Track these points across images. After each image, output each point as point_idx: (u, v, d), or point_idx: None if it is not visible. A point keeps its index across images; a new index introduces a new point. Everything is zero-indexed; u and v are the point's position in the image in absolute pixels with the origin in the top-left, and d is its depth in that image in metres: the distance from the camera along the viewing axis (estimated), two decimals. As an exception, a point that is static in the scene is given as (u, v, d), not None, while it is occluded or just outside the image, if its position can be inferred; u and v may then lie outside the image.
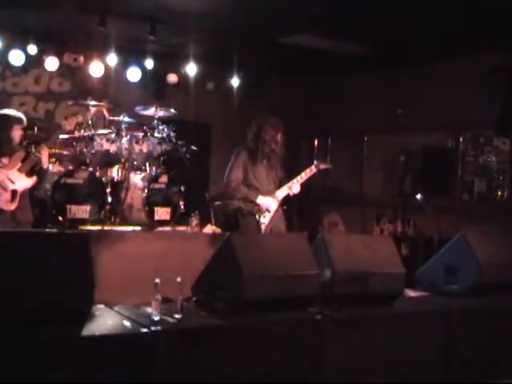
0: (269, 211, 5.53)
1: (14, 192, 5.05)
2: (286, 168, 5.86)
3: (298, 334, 3.28)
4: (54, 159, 5.92)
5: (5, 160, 5.13)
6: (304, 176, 5.74)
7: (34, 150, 5.33)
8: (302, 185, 5.75)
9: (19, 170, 5.14)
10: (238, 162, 5.52)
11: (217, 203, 5.71)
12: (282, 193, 5.66)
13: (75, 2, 6.54)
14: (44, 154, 5.32)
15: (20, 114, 5.38)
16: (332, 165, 6.27)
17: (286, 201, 5.83)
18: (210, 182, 9.42)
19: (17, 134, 5.23)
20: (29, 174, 5.21)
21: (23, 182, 5.14)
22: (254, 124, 5.59)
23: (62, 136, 5.91)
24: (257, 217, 5.44)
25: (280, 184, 5.72)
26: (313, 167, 5.81)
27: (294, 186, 5.68)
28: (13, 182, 5.06)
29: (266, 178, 5.63)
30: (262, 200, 5.50)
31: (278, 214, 5.68)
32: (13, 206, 5.03)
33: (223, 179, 5.66)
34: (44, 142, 5.48)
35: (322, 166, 5.90)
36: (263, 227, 5.47)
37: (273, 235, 5.04)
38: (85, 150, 6.04)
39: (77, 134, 5.99)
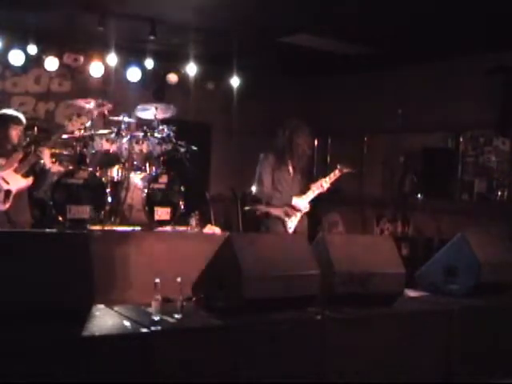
0: (294, 215, 5.46)
1: (7, 192, 4.94)
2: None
3: (298, 334, 3.28)
4: (54, 159, 5.89)
5: (1, 161, 5.04)
6: (328, 180, 5.64)
7: (33, 150, 5.24)
8: (328, 189, 5.66)
9: (15, 170, 5.03)
10: (265, 167, 5.47)
11: (246, 208, 5.66)
12: (307, 198, 5.56)
13: (75, 1, 6.54)
14: (46, 155, 5.22)
15: (18, 114, 5.26)
16: (355, 169, 6.05)
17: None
18: (210, 181, 9.41)
19: (15, 133, 5.11)
20: (25, 174, 5.10)
21: (18, 183, 5.03)
22: (280, 127, 5.58)
23: (63, 136, 5.89)
24: (285, 220, 5.42)
25: (302, 189, 5.63)
26: (336, 171, 5.69)
27: (317, 191, 5.60)
28: (7, 183, 4.96)
29: (292, 182, 5.55)
30: (291, 203, 5.45)
31: (303, 217, 5.60)
32: (5, 207, 4.93)
33: (246, 182, 5.59)
34: (45, 142, 5.40)
35: (346, 170, 5.75)
36: (290, 231, 5.42)
37: (272, 235, 5.03)
38: (85, 150, 6.05)
39: (77, 134, 6.00)
